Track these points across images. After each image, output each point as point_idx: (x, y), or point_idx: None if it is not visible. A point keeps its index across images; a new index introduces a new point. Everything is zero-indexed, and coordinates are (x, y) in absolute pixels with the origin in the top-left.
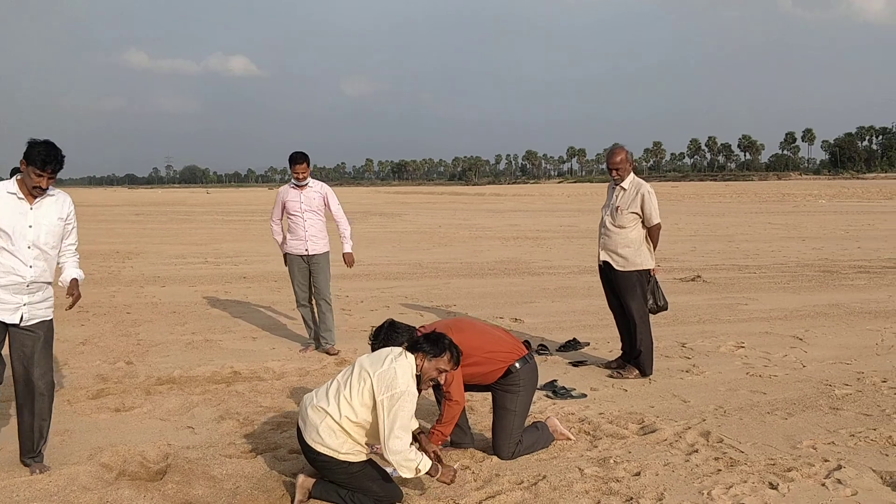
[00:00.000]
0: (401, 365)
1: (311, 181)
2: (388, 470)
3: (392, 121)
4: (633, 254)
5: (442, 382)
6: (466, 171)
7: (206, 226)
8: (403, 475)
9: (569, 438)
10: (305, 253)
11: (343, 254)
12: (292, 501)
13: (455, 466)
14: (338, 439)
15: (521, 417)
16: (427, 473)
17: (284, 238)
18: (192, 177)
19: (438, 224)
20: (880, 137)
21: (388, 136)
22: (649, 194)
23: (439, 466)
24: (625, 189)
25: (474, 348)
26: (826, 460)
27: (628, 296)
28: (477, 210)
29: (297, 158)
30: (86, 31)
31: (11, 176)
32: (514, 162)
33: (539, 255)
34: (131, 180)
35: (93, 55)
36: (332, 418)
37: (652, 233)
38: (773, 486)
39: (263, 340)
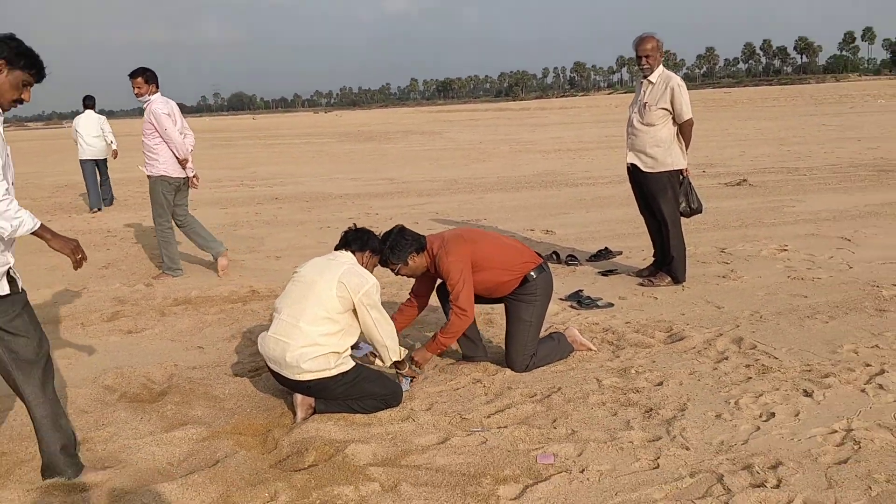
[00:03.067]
0: (351, 262)
1: (153, 98)
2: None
3: (436, 40)
4: (664, 154)
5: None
6: (513, 87)
7: (245, 150)
8: (393, 358)
9: (589, 349)
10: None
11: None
12: (294, 419)
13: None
14: (325, 360)
15: (536, 328)
16: (399, 362)
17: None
18: (239, 104)
19: (479, 140)
20: None
21: (432, 56)
22: (679, 87)
23: (408, 363)
24: (653, 83)
25: (488, 257)
26: (868, 365)
27: (659, 199)
28: (520, 125)
29: (132, 74)
30: None
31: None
32: (562, 75)
33: (579, 167)
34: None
35: None
36: (310, 344)
37: (683, 130)
38: (807, 394)
39: (286, 260)
